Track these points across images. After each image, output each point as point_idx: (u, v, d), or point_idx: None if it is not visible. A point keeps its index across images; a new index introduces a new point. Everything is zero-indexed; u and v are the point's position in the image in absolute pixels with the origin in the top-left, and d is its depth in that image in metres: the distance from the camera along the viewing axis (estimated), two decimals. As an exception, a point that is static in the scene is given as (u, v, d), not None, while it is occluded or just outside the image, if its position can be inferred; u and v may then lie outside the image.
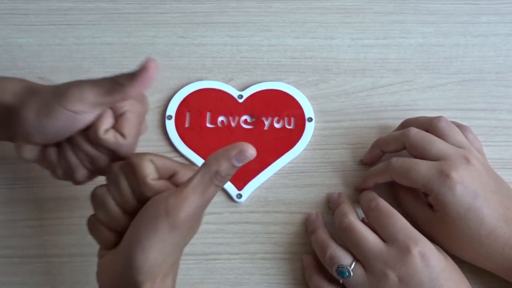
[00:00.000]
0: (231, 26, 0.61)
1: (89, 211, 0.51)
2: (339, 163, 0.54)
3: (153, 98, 0.57)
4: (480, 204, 0.44)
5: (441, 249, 0.45)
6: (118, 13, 0.61)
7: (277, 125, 0.55)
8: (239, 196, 0.52)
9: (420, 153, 0.47)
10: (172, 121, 0.55)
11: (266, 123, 0.55)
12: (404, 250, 0.43)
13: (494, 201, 0.44)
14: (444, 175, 0.44)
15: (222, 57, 0.59)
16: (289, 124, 0.55)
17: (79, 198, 0.52)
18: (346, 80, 0.58)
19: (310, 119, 0.55)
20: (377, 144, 0.52)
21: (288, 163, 0.53)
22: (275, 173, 0.53)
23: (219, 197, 0.52)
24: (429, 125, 0.49)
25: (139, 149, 0.54)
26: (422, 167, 0.46)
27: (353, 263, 0.44)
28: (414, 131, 0.48)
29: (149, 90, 0.56)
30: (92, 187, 0.42)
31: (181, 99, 0.56)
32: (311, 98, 0.56)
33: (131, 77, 0.39)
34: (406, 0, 0.63)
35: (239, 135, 0.54)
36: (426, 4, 0.62)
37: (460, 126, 0.50)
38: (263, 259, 0.50)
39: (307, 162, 0.54)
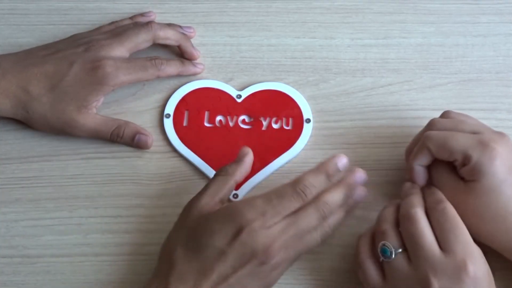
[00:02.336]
0: (231, 26, 0.61)
1: (89, 211, 0.51)
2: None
3: (153, 98, 0.57)
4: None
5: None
6: (118, 13, 0.61)
7: (275, 126, 0.55)
8: (235, 196, 0.52)
9: (447, 150, 0.46)
10: (170, 119, 0.55)
11: (264, 123, 0.55)
12: (460, 267, 0.41)
13: None
14: (484, 144, 0.44)
15: (222, 57, 0.59)
16: (287, 125, 0.55)
17: (79, 198, 0.52)
18: (346, 80, 0.58)
19: (308, 120, 0.55)
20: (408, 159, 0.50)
21: (286, 163, 0.53)
22: (273, 173, 0.53)
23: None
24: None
25: (138, 149, 0.54)
26: (461, 136, 0.45)
27: (400, 250, 0.43)
28: (432, 132, 0.47)
29: (149, 90, 0.57)
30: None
31: (180, 97, 0.56)
32: (311, 98, 0.56)
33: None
34: (406, 0, 0.63)
35: (237, 135, 0.54)
36: (426, 4, 0.62)
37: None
38: (263, 259, 0.50)
39: (307, 162, 0.54)
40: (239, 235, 0.42)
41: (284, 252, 0.43)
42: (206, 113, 0.56)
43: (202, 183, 0.49)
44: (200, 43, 0.60)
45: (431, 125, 0.49)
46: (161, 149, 0.54)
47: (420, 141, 0.48)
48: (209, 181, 0.48)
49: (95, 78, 0.52)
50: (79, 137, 0.54)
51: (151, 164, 0.53)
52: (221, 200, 0.47)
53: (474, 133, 0.46)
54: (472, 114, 0.56)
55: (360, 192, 0.47)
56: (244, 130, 0.55)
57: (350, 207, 0.47)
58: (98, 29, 0.58)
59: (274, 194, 0.44)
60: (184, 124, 0.55)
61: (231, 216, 0.43)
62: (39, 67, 0.52)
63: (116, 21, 0.59)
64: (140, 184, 0.52)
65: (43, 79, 0.51)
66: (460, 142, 0.45)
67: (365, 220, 0.50)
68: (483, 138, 0.45)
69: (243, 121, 0.55)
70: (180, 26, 0.59)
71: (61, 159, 0.54)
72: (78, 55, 0.53)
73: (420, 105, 0.56)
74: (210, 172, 0.52)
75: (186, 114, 0.56)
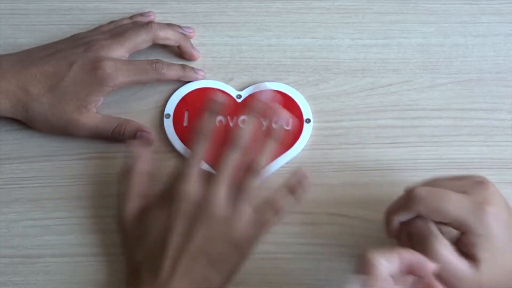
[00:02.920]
0: (231, 26, 0.61)
1: (89, 211, 0.51)
2: (339, 163, 0.54)
3: (153, 98, 0.57)
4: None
5: None
6: (118, 13, 0.61)
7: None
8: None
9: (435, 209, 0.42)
10: (170, 119, 0.55)
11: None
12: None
13: None
14: (478, 207, 0.41)
15: (222, 57, 0.59)
16: (287, 125, 0.55)
17: (79, 198, 0.52)
18: (346, 80, 0.58)
19: (308, 120, 0.55)
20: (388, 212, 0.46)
21: (286, 163, 0.53)
22: (273, 173, 0.53)
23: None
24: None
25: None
26: (455, 198, 0.41)
27: None
28: (418, 189, 0.43)
29: (149, 90, 0.57)
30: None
31: (180, 97, 0.56)
32: (311, 98, 0.56)
33: None
34: (406, 0, 0.63)
35: (238, 135, 0.54)
36: (426, 4, 0.62)
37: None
38: (263, 259, 0.50)
39: (307, 162, 0.54)
40: (173, 204, 0.46)
41: (226, 203, 0.46)
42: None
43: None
44: (200, 43, 0.60)
45: (408, 192, 0.43)
46: (161, 149, 0.54)
47: (406, 197, 0.43)
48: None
49: (94, 78, 0.52)
50: (81, 137, 0.54)
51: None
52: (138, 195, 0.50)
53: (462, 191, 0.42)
54: (472, 114, 0.56)
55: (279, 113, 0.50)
56: (244, 130, 0.55)
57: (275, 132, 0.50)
58: (97, 29, 0.58)
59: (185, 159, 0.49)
60: (184, 124, 0.55)
61: (163, 196, 0.48)
62: (39, 67, 0.52)
63: (116, 21, 0.59)
64: (140, 184, 0.52)
65: (43, 79, 0.52)
66: (453, 205, 0.41)
67: (366, 220, 0.50)
68: (475, 201, 0.41)
69: (243, 122, 0.55)
70: (179, 26, 0.59)
71: (61, 159, 0.54)
72: (78, 55, 0.53)
73: (420, 105, 0.56)
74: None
75: (186, 114, 0.56)
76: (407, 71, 0.58)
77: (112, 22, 0.59)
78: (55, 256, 0.50)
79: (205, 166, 0.52)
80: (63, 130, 0.53)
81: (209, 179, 0.47)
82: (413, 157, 0.54)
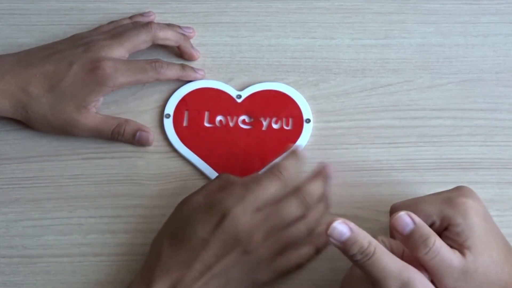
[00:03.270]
0: (231, 26, 0.61)
1: (89, 211, 0.51)
2: (339, 163, 0.54)
3: (153, 98, 0.57)
4: (492, 227, 0.43)
5: None
6: (118, 13, 0.61)
7: (275, 126, 0.55)
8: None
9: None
10: (170, 119, 0.55)
11: (264, 123, 0.55)
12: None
13: (497, 227, 0.44)
14: (457, 200, 0.42)
15: (222, 57, 0.59)
16: (287, 125, 0.55)
17: (79, 198, 0.52)
18: (346, 80, 0.58)
19: (308, 120, 0.55)
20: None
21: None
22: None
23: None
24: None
25: (138, 146, 0.54)
26: (428, 198, 0.44)
27: None
28: (397, 203, 0.45)
29: (149, 90, 0.57)
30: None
31: (180, 98, 0.56)
32: (311, 98, 0.56)
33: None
34: (406, 0, 0.63)
35: (237, 135, 0.54)
36: (426, 4, 0.62)
37: None
38: (263, 259, 0.50)
39: (307, 162, 0.54)
40: (221, 222, 0.43)
41: (268, 241, 0.44)
42: (206, 113, 0.56)
43: (201, 183, 0.49)
44: (200, 43, 0.60)
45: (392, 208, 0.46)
46: (161, 149, 0.54)
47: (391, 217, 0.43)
48: (208, 182, 0.48)
49: (94, 79, 0.52)
50: (80, 137, 0.54)
51: (151, 164, 0.53)
52: None
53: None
54: (472, 114, 0.56)
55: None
56: (244, 130, 0.55)
57: (328, 199, 0.48)
58: (97, 29, 0.58)
59: (251, 179, 0.45)
60: (184, 124, 0.55)
61: (213, 205, 0.44)
62: (39, 67, 0.52)
63: (115, 21, 0.59)
64: (139, 184, 0.52)
65: (42, 80, 0.52)
66: (429, 204, 0.43)
67: (365, 220, 0.50)
68: (449, 196, 0.43)
69: (243, 121, 0.55)
70: (179, 27, 0.59)
71: (61, 159, 0.54)
72: (78, 55, 0.53)
73: (420, 105, 0.56)
74: (210, 172, 0.52)
75: (186, 114, 0.56)
76: (407, 71, 0.58)
77: (112, 22, 0.59)
78: (55, 256, 0.50)
79: (203, 166, 0.53)
80: (63, 130, 0.53)
81: (267, 216, 0.44)
82: (413, 157, 0.54)
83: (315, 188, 0.47)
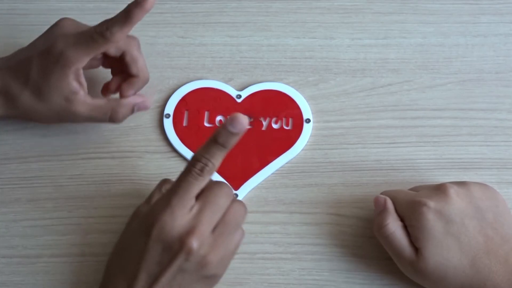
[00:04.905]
0: (231, 26, 0.61)
1: (88, 211, 0.51)
2: (339, 163, 0.54)
3: (153, 98, 0.57)
4: (456, 230, 0.44)
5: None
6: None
7: (275, 126, 0.55)
8: (235, 196, 0.52)
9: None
10: (170, 119, 0.55)
11: (264, 123, 0.55)
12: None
13: (472, 228, 0.44)
14: (416, 202, 0.45)
15: (222, 57, 0.59)
16: (287, 125, 0.55)
17: (79, 198, 0.52)
18: (346, 80, 0.58)
19: (308, 120, 0.55)
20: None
21: (286, 163, 0.53)
22: (273, 173, 0.53)
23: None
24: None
25: (137, 146, 0.54)
26: (403, 195, 0.48)
27: None
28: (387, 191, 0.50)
29: (150, 90, 0.57)
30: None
31: (180, 97, 0.56)
32: (311, 98, 0.56)
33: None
34: (406, 0, 0.63)
35: (238, 135, 0.54)
36: (426, 4, 0.62)
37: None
38: (263, 259, 0.50)
39: (307, 162, 0.54)
40: (151, 231, 0.41)
41: (206, 238, 0.42)
42: (206, 113, 0.56)
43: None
44: (200, 43, 0.60)
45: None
46: (161, 149, 0.54)
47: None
48: (153, 190, 0.48)
49: (52, 61, 0.49)
50: (79, 123, 0.53)
51: (150, 164, 0.53)
52: None
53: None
54: (472, 114, 0.56)
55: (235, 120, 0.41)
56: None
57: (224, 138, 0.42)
58: None
59: (175, 183, 0.43)
60: (184, 124, 0.55)
61: (145, 215, 0.44)
62: (12, 65, 0.51)
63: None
64: (139, 184, 0.52)
65: (18, 75, 0.50)
66: (400, 200, 0.47)
67: (366, 220, 0.50)
68: (416, 197, 0.46)
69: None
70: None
71: (61, 159, 0.54)
72: (38, 44, 0.51)
73: (420, 105, 0.56)
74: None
75: (186, 114, 0.56)
76: (407, 71, 0.58)
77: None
78: (55, 256, 0.50)
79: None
80: (60, 119, 0.51)
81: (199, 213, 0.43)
82: (413, 157, 0.54)
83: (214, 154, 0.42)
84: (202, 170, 0.42)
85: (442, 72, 0.58)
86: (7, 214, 0.51)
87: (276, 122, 0.55)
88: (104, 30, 0.49)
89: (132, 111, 0.52)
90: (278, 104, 0.56)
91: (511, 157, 0.54)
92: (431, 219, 0.44)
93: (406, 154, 0.54)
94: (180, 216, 0.41)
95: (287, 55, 0.59)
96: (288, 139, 0.54)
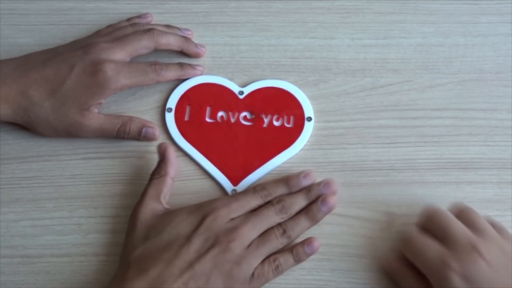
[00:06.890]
0: (231, 26, 0.61)
1: (88, 211, 0.51)
2: (339, 163, 0.54)
3: (153, 98, 0.57)
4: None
5: None
6: (118, 13, 0.61)
7: (276, 123, 0.55)
8: (234, 191, 0.52)
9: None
10: (172, 113, 0.55)
11: (266, 120, 0.55)
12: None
13: None
14: (445, 265, 0.42)
15: (222, 57, 0.59)
16: (288, 123, 0.55)
17: (79, 198, 0.52)
18: (346, 80, 0.58)
19: (309, 119, 0.55)
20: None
21: (286, 161, 0.53)
22: (273, 173, 0.53)
23: (214, 192, 0.52)
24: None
25: (137, 146, 0.54)
26: (431, 249, 0.44)
27: None
28: (414, 235, 0.46)
29: (149, 90, 0.57)
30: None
31: (182, 92, 0.56)
32: (311, 98, 0.56)
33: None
34: (406, 0, 0.63)
35: (238, 131, 0.54)
36: (426, 4, 0.62)
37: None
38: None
39: (307, 161, 0.54)
40: (205, 220, 0.46)
41: (247, 245, 0.46)
42: (208, 109, 0.56)
43: (201, 183, 0.50)
44: (200, 43, 0.60)
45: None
46: (162, 148, 0.54)
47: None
48: (146, 186, 0.50)
49: (96, 81, 0.52)
50: (85, 138, 0.54)
51: (150, 164, 0.53)
52: (164, 199, 0.49)
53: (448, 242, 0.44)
54: (472, 114, 0.56)
55: (327, 201, 0.49)
56: (245, 126, 0.55)
57: (314, 214, 0.48)
58: (96, 33, 0.57)
59: (238, 193, 0.49)
60: (186, 118, 0.55)
61: (199, 207, 0.47)
62: (39, 71, 0.52)
63: (113, 24, 0.58)
64: (139, 184, 0.52)
65: (43, 84, 0.51)
66: (427, 258, 0.44)
67: (366, 220, 0.50)
68: (446, 257, 0.43)
69: (245, 118, 0.55)
70: (179, 28, 0.59)
71: (61, 159, 0.54)
72: (78, 57, 0.52)
73: (420, 105, 0.56)
74: (210, 167, 0.53)
75: (188, 108, 0.56)
76: (407, 71, 0.58)
77: (109, 26, 0.58)
78: (55, 256, 0.50)
79: (203, 161, 0.53)
80: (66, 133, 0.53)
81: (246, 217, 0.47)
82: (413, 157, 0.54)
83: (293, 201, 0.49)
84: (265, 195, 0.49)
85: (442, 72, 0.58)
86: (7, 214, 0.51)
87: (277, 120, 0.55)
88: (159, 69, 0.54)
89: (140, 133, 0.54)
90: (280, 102, 0.56)
91: (511, 157, 0.54)
92: (457, 281, 0.42)
93: (406, 154, 0.54)
94: (234, 218, 0.47)
95: (287, 55, 0.59)
96: (289, 136, 0.54)
